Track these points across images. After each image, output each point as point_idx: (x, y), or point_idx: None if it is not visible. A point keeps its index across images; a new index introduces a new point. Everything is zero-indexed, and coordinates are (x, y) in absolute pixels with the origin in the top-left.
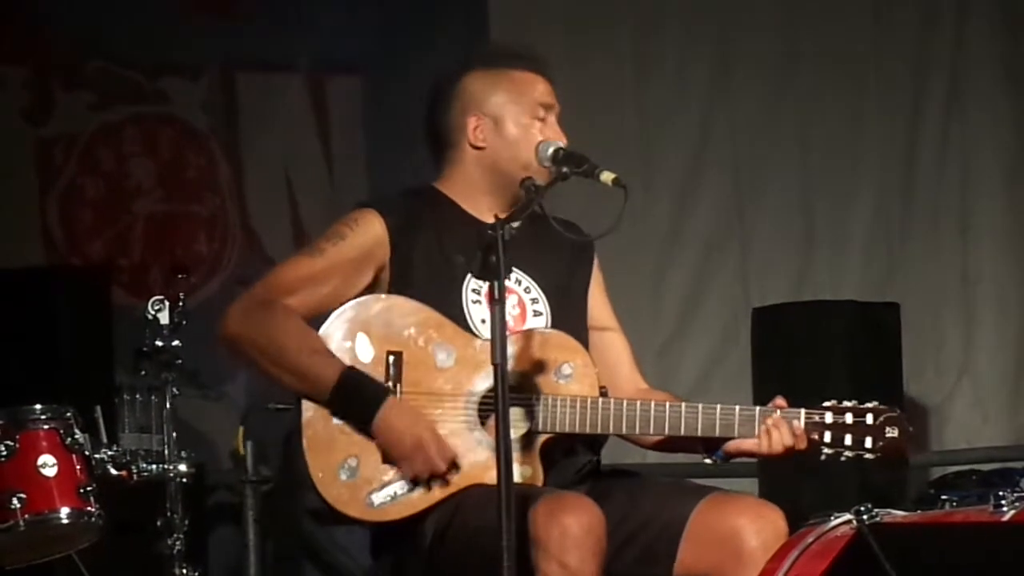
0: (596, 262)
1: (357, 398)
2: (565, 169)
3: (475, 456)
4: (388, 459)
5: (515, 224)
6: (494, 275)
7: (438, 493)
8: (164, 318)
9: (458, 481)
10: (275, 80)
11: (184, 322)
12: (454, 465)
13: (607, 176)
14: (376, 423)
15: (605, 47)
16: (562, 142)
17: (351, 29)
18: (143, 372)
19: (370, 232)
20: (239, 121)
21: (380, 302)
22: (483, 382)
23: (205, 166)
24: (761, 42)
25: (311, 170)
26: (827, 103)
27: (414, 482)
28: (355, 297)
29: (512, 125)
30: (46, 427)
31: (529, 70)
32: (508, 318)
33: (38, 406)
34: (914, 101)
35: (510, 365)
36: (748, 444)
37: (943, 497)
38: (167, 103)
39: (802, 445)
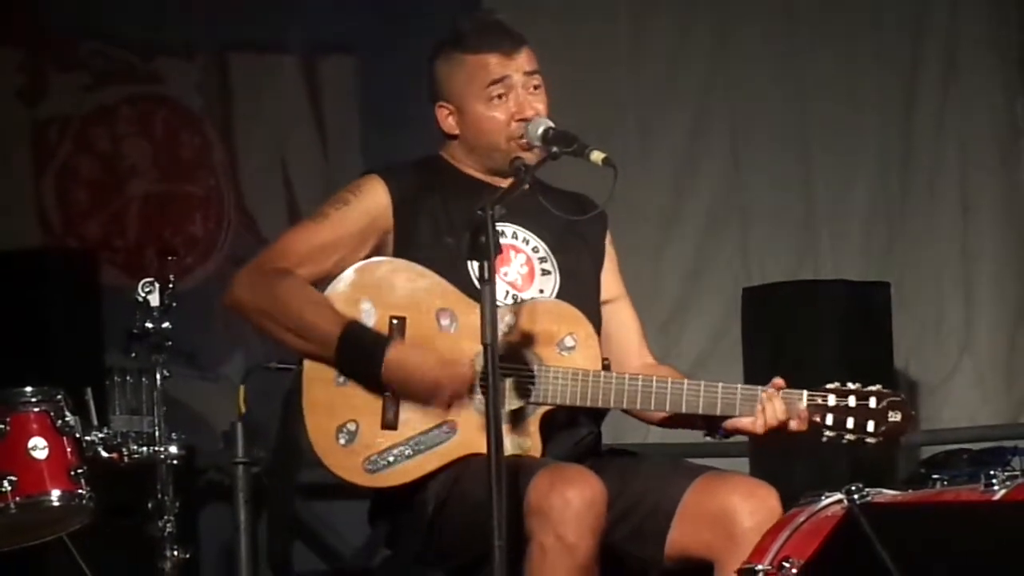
0: (609, 238)
1: (361, 350)
2: (555, 149)
3: (475, 425)
4: (407, 401)
5: (508, 201)
6: (484, 256)
7: (436, 461)
8: (154, 300)
9: (457, 450)
10: (268, 60)
11: (174, 304)
12: (473, 387)
13: (597, 156)
14: (385, 369)
15: (600, 21)
16: (532, 112)
17: (344, 8)
18: (133, 354)
19: (373, 198)
20: (233, 102)
21: (384, 266)
22: None
23: (199, 147)
24: (759, 22)
25: (305, 150)
26: (825, 80)
27: (436, 435)
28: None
29: (471, 112)
30: (37, 409)
31: (481, 51)
32: (517, 276)
33: (28, 388)
34: (910, 76)
35: (511, 335)
36: (744, 422)
37: (934, 476)
38: (161, 84)
39: (803, 427)
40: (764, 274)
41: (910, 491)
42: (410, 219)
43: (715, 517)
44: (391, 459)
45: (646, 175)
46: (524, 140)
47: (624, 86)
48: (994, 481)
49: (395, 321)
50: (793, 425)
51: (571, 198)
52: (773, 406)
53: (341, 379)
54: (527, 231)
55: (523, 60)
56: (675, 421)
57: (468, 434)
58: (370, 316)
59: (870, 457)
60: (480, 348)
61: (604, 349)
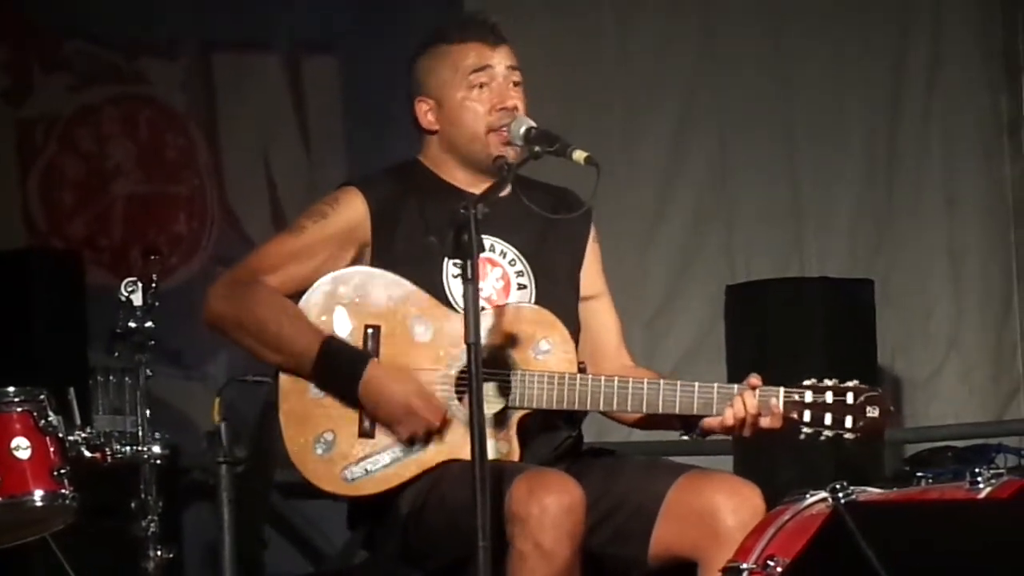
0: (593, 234)
1: (339, 366)
2: (536, 148)
3: (452, 431)
4: (379, 424)
5: (491, 200)
6: (467, 255)
7: (414, 468)
8: (137, 299)
9: (435, 456)
10: (251, 60)
11: (157, 303)
12: (446, 420)
13: (579, 155)
14: (361, 389)
15: (586, 21)
16: (513, 103)
17: (326, 8)
18: (116, 354)
19: (351, 211)
20: (216, 102)
21: (358, 276)
22: (461, 358)
23: (183, 147)
24: (745, 20)
25: (289, 150)
26: (810, 79)
27: (410, 443)
28: None
29: (450, 102)
30: (19, 409)
31: (463, 40)
32: (492, 291)
33: (11, 388)
34: (896, 73)
35: (488, 340)
36: (715, 421)
37: (919, 474)
38: (145, 84)
39: (777, 424)
40: (750, 272)
41: (895, 489)
42: (388, 229)
43: (699, 515)
44: (369, 468)
45: (632, 173)
46: (505, 133)
47: (610, 83)
48: (979, 479)
49: (370, 330)
50: (766, 422)
51: (555, 193)
52: (743, 401)
53: (317, 389)
54: (504, 243)
55: (505, 53)
56: (651, 422)
57: (446, 441)
58: (345, 324)
59: (855, 455)
60: (456, 352)
61: (581, 347)
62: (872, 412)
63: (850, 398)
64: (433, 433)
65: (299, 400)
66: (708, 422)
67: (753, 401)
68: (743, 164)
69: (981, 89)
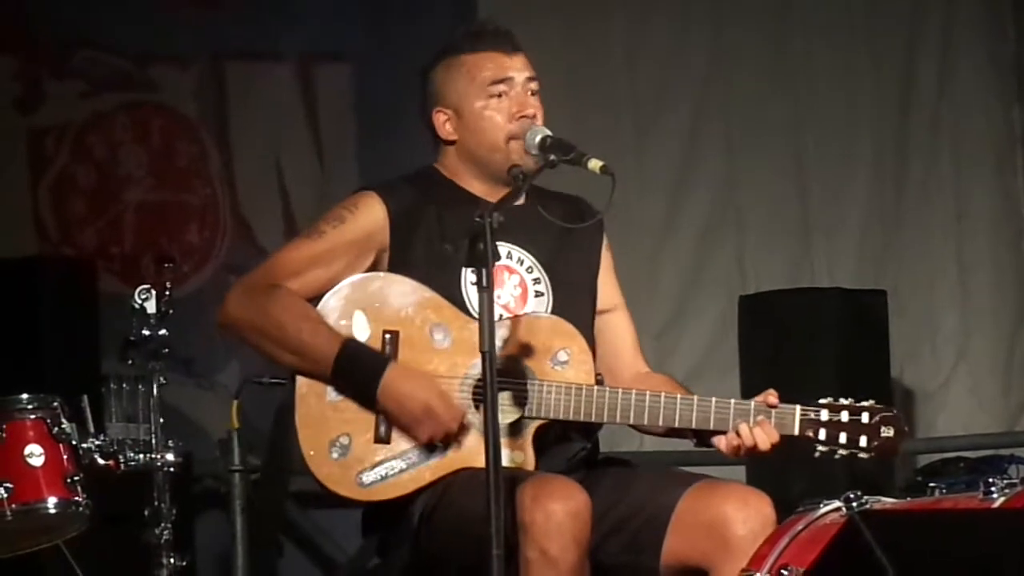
0: (606, 242)
1: (359, 369)
2: (552, 157)
3: (467, 439)
4: (397, 427)
5: (507, 207)
6: (482, 263)
7: (429, 475)
8: (151, 307)
9: (450, 464)
10: (264, 69)
11: (171, 311)
12: (463, 426)
13: (595, 164)
14: (381, 391)
15: (597, 31)
16: (532, 110)
17: (339, 16)
18: (130, 361)
19: (370, 216)
20: (229, 110)
21: (378, 280)
22: (478, 365)
23: (196, 155)
24: (755, 31)
25: (301, 158)
26: (820, 89)
27: (429, 447)
28: None
29: (470, 112)
30: (33, 417)
31: (479, 50)
32: (509, 299)
33: (24, 395)
34: (906, 85)
35: (505, 349)
36: (721, 444)
37: (932, 484)
38: (157, 92)
39: (772, 441)
40: (760, 283)
41: (908, 499)
42: (406, 235)
43: (709, 526)
44: (384, 473)
45: (642, 184)
46: (524, 142)
47: (619, 94)
48: (993, 489)
49: (388, 335)
50: (763, 443)
51: (569, 202)
52: (738, 432)
53: (334, 393)
54: (521, 250)
55: (522, 62)
56: (671, 431)
57: (462, 448)
58: (364, 329)
59: (867, 465)
60: (474, 360)
61: (598, 355)
62: (887, 432)
63: (865, 418)
64: (451, 437)
65: (315, 404)
66: (716, 441)
67: (747, 431)
68: (752, 175)
69: (992, 100)
